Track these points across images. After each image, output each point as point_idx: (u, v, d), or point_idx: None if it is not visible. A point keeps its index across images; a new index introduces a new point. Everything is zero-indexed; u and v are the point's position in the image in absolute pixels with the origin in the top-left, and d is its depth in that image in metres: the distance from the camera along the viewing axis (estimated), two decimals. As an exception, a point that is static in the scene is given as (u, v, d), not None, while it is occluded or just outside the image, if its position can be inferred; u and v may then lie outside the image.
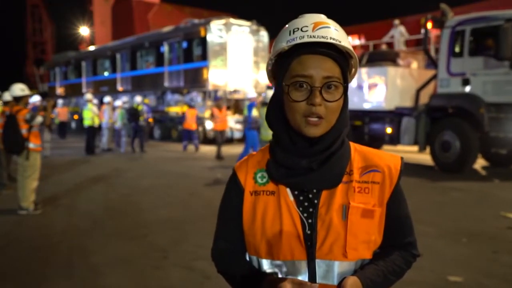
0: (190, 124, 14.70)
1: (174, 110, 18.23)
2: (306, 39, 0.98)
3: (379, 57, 11.69)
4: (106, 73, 23.41)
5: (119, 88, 21.69)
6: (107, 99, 15.51)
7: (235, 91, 16.78)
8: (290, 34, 1.02)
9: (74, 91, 26.00)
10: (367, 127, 11.05)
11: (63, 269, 4.07)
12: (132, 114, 13.95)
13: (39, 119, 6.09)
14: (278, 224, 1.04)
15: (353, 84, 10.38)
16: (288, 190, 1.06)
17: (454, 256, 4.29)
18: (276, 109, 1.06)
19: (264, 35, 17.37)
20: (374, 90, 10.78)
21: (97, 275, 3.91)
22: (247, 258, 1.13)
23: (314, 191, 1.05)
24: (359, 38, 19.53)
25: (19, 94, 6.19)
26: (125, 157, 13.03)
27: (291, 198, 1.05)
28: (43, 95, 26.68)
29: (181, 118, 16.36)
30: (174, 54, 18.12)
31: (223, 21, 16.32)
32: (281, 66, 1.04)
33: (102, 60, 23.83)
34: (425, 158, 11.70)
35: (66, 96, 26.57)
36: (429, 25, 9.90)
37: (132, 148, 14.17)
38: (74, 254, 4.48)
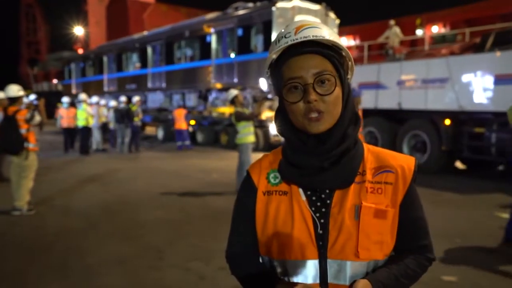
0: (180, 124, 14.73)
1: (221, 111, 15.35)
2: (289, 43, 1.01)
3: None
4: (134, 69, 20.38)
5: (150, 85, 18.92)
6: (95, 99, 15.38)
7: None
8: (276, 44, 1.05)
9: (93, 90, 22.72)
10: (495, 136, 8.30)
11: (58, 270, 4.06)
12: (124, 114, 13.90)
13: (37, 118, 6.15)
14: (290, 224, 1.04)
15: (468, 77, 8.55)
16: (300, 190, 1.07)
17: (449, 256, 4.31)
18: (282, 115, 1.09)
19: (333, 19, 14.47)
20: (506, 84, 7.95)
21: (93, 276, 3.90)
22: (260, 260, 1.13)
23: (327, 191, 1.05)
24: (354, 39, 19.60)
25: (16, 95, 6.20)
26: (120, 158, 12.99)
27: (304, 198, 1.06)
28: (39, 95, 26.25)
29: (171, 119, 16.05)
30: (224, 44, 15.17)
31: (289, 4, 13.63)
32: (275, 76, 1.07)
33: (129, 54, 20.81)
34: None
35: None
36: None
37: (129, 148, 14.16)
38: (69, 255, 4.47)
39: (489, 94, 8.22)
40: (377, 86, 10.22)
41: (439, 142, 9.03)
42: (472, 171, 9.86)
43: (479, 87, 8.34)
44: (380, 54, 15.34)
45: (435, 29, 17.63)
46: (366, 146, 1.11)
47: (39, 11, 54.99)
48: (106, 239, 5.02)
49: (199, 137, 16.76)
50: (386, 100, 10.07)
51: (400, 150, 9.63)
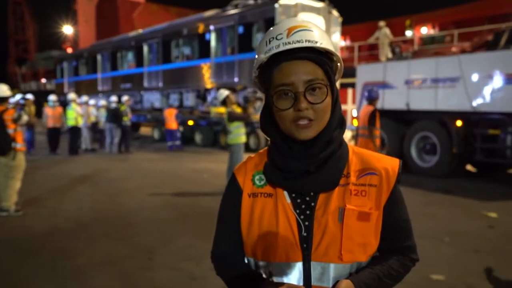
0: (171, 124, 14.74)
1: (220, 111, 14.41)
2: (281, 48, 0.99)
3: None
4: (129, 67, 19.88)
5: (146, 84, 18.37)
6: (84, 98, 15.24)
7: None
8: (266, 45, 1.02)
9: (87, 89, 22.10)
10: (511, 138, 7.88)
11: (47, 271, 4.02)
12: (114, 114, 13.81)
13: (25, 118, 6.10)
14: (275, 226, 1.05)
15: (481, 76, 8.09)
16: (285, 192, 1.06)
17: (437, 255, 4.36)
18: (268, 116, 1.08)
19: (336, 17, 14.09)
20: None
21: (83, 277, 3.88)
22: (246, 261, 1.14)
23: (311, 193, 1.05)
24: (344, 40, 19.71)
25: (4, 95, 6.14)
26: (110, 158, 12.91)
27: (288, 200, 1.06)
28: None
29: (162, 120, 15.82)
30: (224, 42, 14.75)
31: (292, 1, 13.19)
32: (265, 77, 1.05)
33: (124, 52, 20.18)
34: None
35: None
36: None
37: (119, 148, 14.07)
38: (58, 256, 4.43)
39: (503, 93, 7.74)
40: (383, 85, 9.76)
41: (449, 144, 8.61)
42: (482, 174, 9.60)
43: (492, 87, 7.86)
44: (370, 54, 15.45)
45: (424, 30, 17.82)
46: (351, 148, 1.11)
47: (28, 9, 54.34)
48: (97, 239, 4.98)
49: (198, 138, 16.30)
50: (393, 100, 9.60)
51: (408, 153, 9.41)
